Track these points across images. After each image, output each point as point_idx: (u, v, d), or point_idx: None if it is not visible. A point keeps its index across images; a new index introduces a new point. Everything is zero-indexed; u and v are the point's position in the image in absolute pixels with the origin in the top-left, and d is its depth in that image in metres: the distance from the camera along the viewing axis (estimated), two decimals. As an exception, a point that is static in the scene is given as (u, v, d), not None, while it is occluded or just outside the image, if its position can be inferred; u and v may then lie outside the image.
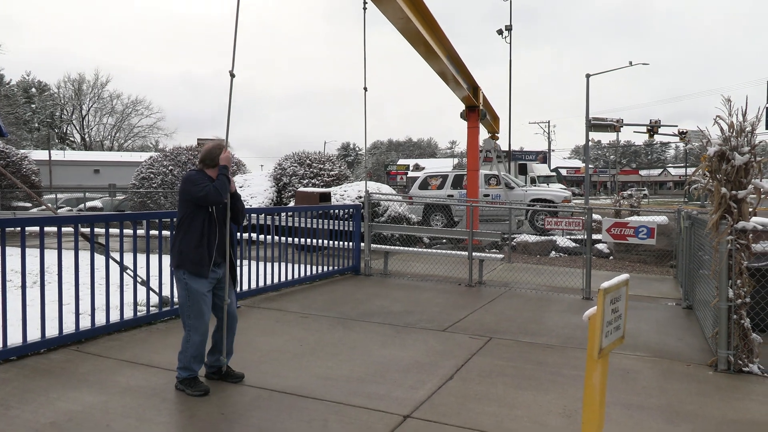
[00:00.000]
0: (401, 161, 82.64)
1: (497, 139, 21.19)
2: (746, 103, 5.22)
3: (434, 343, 5.89)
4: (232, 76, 4.63)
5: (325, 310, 7.27)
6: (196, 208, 4.40)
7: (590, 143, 33.75)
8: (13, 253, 5.19)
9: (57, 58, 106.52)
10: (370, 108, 8.64)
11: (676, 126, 35.69)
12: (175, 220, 7.01)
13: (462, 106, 16.33)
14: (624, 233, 8.57)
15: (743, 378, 4.98)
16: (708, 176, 5.39)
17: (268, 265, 8.32)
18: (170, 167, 19.63)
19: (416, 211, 18.35)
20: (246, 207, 4.87)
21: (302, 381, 4.67)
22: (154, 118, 79.08)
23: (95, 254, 5.78)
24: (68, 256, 5.56)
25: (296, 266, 8.88)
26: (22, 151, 29.40)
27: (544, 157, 55.37)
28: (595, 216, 12.80)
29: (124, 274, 6.14)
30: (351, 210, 10.58)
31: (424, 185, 21.30)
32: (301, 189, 15.16)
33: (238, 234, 7.01)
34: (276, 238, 9.13)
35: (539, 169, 40.68)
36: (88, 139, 76.88)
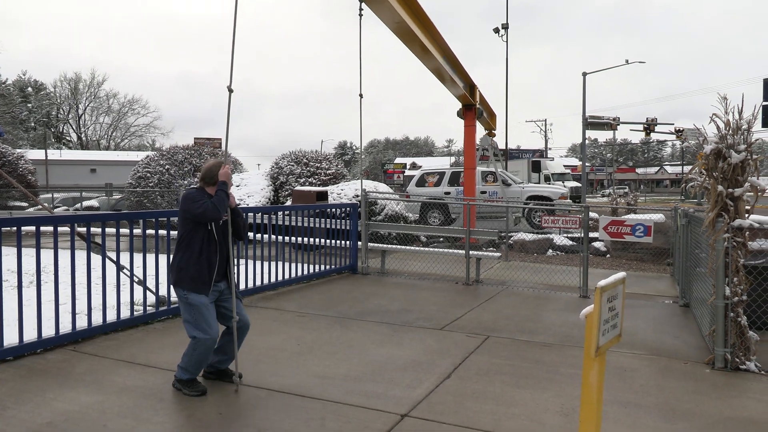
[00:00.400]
0: (398, 160, 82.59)
1: (494, 136, 21.20)
2: (742, 101, 5.24)
3: (432, 341, 5.89)
4: (230, 91, 4.60)
5: (322, 309, 7.27)
6: (195, 225, 4.38)
7: (587, 141, 33.78)
8: (9, 253, 5.17)
9: (53, 58, 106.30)
10: (366, 107, 8.66)
11: (673, 124, 35.75)
12: (171, 219, 7.04)
13: (459, 105, 16.33)
14: (621, 231, 8.58)
15: (740, 376, 4.99)
16: (704, 174, 5.40)
17: (265, 264, 8.31)
18: (167, 166, 19.58)
19: (413, 208, 18.35)
20: (243, 206, 4.86)
21: (300, 380, 4.67)
22: (151, 117, 79.30)
23: (92, 254, 5.77)
24: (65, 256, 5.54)
25: (293, 265, 8.87)
26: (19, 150, 29.36)
27: (541, 154, 55.42)
28: (592, 214, 12.82)
29: (121, 273, 6.14)
30: (348, 209, 10.58)
31: (421, 182, 21.31)
32: (298, 188, 15.14)
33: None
34: (273, 237, 9.12)
35: (553, 166, 39.99)
36: (84, 139, 76.70)
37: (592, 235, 10.62)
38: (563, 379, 4.80)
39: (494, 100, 19.25)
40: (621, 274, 2.80)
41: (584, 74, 27.84)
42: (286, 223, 9.40)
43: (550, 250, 14.12)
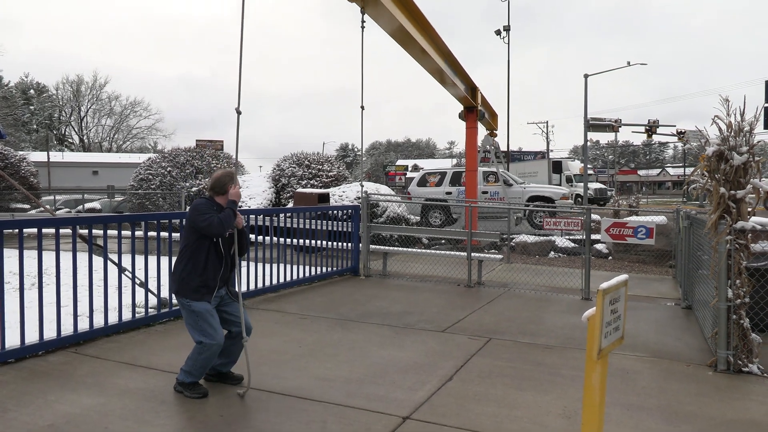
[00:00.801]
0: (400, 162, 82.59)
1: (496, 136, 21.20)
2: (744, 102, 5.23)
3: (433, 343, 5.88)
4: (239, 113, 4.61)
5: (324, 311, 7.26)
6: (200, 237, 4.38)
7: (589, 143, 33.65)
8: (11, 255, 5.17)
9: (55, 60, 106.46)
10: (367, 108, 8.62)
11: (675, 126, 35.59)
12: (173, 221, 7.05)
13: (460, 106, 16.33)
14: (623, 233, 8.57)
15: (743, 378, 4.97)
16: (707, 176, 5.39)
17: (267, 266, 8.31)
18: (168, 168, 19.61)
19: (415, 210, 18.35)
20: (244, 208, 4.87)
21: (301, 382, 4.67)
22: (153, 120, 79.36)
23: (93, 256, 5.77)
24: (66, 258, 5.54)
25: (295, 267, 8.87)
26: (21, 152, 29.40)
27: (543, 156, 55.33)
28: (594, 216, 12.81)
29: (123, 275, 6.13)
30: (350, 211, 10.58)
31: (423, 182, 21.31)
32: (300, 190, 15.16)
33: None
34: (275, 239, 9.12)
35: (575, 167, 38.49)
36: (86, 141, 76.81)
37: (594, 237, 10.61)
38: (565, 382, 4.79)
39: (495, 101, 19.23)
40: (623, 277, 2.80)
41: (586, 76, 27.81)
42: (288, 225, 9.40)
43: (552, 252, 14.10)
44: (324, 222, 10.02)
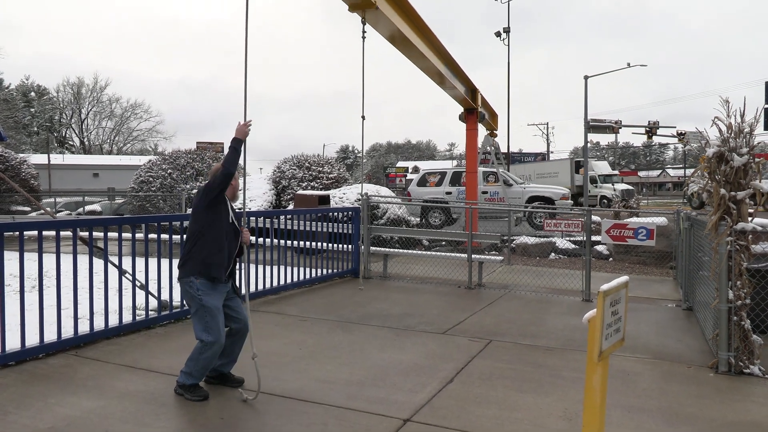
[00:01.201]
0: (400, 163, 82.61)
1: (496, 136, 21.22)
2: (744, 104, 5.23)
3: (434, 346, 5.88)
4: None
5: (324, 313, 7.26)
6: (212, 219, 4.39)
7: (589, 145, 33.50)
8: (11, 258, 5.17)
9: (56, 62, 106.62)
10: (367, 110, 8.59)
11: (675, 127, 35.51)
12: (173, 223, 7.05)
13: (460, 108, 16.34)
14: (623, 235, 8.57)
15: (744, 380, 4.97)
16: (707, 177, 5.39)
17: (267, 268, 8.31)
18: (169, 171, 19.62)
19: (415, 211, 18.35)
20: (245, 210, 4.88)
21: (302, 384, 4.66)
22: (153, 122, 79.15)
23: (94, 258, 5.77)
24: (67, 261, 5.55)
25: (295, 269, 8.86)
26: (21, 155, 29.43)
27: (543, 157, 55.31)
28: (595, 218, 12.80)
29: (123, 278, 6.13)
30: (350, 213, 10.57)
31: (423, 182, 21.33)
32: (300, 192, 15.17)
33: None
34: (275, 241, 9.12)
35: (600, 167, 36.39)
36: (87, 143, 76.90)
37: (594, 238, 10.61)
38: (566, 384, 4.78)
39: (495, 102, 19.21)
40: (624, 278, 2.80)
41: (586, 78, 27.81)
42: (288, 227, 9.40)
43: (553, 254, 14.09)
44: (324, 224, 10.02)
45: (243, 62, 4.61)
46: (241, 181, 4.86)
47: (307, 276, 9.10)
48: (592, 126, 29.99)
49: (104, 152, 74.01)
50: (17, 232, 5.12)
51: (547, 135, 61.67)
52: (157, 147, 74.68)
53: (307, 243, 9.52)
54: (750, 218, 5.19)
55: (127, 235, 6.52)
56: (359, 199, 13.09)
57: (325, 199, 14.19)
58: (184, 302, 5.46)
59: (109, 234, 6.57)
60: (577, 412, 4.15)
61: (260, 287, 8.08)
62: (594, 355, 2.59)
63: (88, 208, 24.85)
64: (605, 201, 31.66)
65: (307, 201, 13.75)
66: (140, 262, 6.32)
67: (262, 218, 9.17)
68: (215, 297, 4.37)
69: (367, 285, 8.94)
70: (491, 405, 4.31)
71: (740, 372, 5.06)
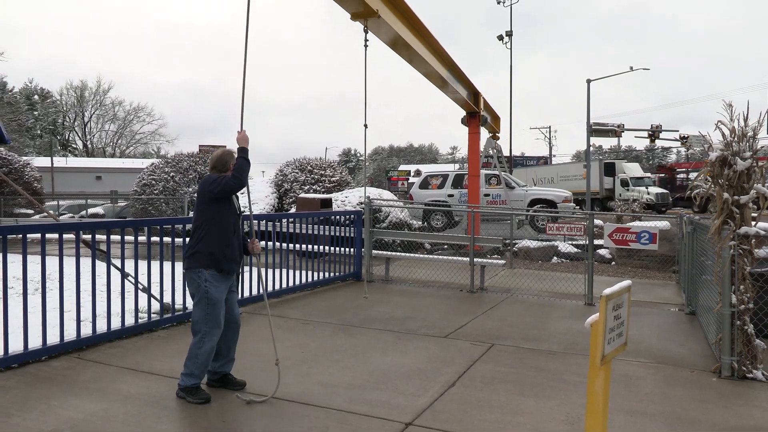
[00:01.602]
0: (402, 167, 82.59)
1: (498, 138, 21.23)
2: (747, 107, 5.23)
3: (436, 349, 5.87)
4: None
5: (326, 316, 7.26)
6: (218, 210, 4.42)
7: (591, 148, 33.31)
8: (14, 260, 5.19)
9: (59, 66, 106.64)
10: (369, 114, 8.58)
11: (677, 131, 35.44)
12: (176, 226, 7.06)
13: (463, 111, 16.34)
14: (626, 238, 8.57)
15: (747, 384, 4.95)
16: (710, 181, 5.38)
17: (270, 271, 8.31)
18: (172, 174, 19.65)
19: (418, 214, 18.36)
20: (246, 213, 4.91)
21: (304, 388, 4.66)
22: (156, 125, 79.33)
23: (96, 261, 5.78)
24: (70, 263, 5.56)
25: (297, 273, 8.87)
26: (25, 158, 29.50)
27: (545, 161, 55.28)
28: (597, 221, 12.79)
29: (126, 280, 6.14)
30: (352, 216, 10.58)
31: (425, 185, 21.35)
32: (303, 195, 15.17)
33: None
34: (277, 244, 9.12)
35: (631, 169, 34.29)
36: (90, 146, 77.08)
37: (597, 242, 10.60)
38: (568, 387, 4.77)
39: (497, 106, 19.20)
40: (626, 282, 2.80)
41: (588, 81, 27.83)
42: (291, 230, 9.41)
43: (555, 258, 14.07)
44: (326, 227, 10.03)
45: (244, 64, 4.64)
46: None
47: (309, 279, 9.10)
48: (595, 130, 29.98)
49: (107, 155, 74.17)
50: (20, 235, 5.14)
51: (549, 139, 61.68)
52: (159, 150, 74.91)
53: (310, 246, 9.52)
54: (753, 222, 5.18)
55: (129, 238, 6.53)
56: (361, 203, 13.11)
57: (328, 203, 14.20)
58: (187, 302, 5.47)
59: (112, 237, 6.58)
60: (580, 416, 4.14)
61: (262, 290, 8.06)
62: (596, 359, 2.59)
63: (90, 210, 24.88)
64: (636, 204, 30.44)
65: (309, 204, 13.76)
66: (143, 265, 6.33)
67: (264, 221, 9.17)
68: (221, 289, 4.43)
69: (369, 288, 8.94)
70: (493, 409, 4.30)
71: (743, 376, 5.05)
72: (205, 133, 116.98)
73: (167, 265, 6.45)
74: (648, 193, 29.85)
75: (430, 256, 11.02)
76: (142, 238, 9.87)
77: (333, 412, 4.20)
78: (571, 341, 6.23)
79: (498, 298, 8.62)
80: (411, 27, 10.58)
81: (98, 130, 77.84)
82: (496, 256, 13.54)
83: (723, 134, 5.26)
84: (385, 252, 10.59)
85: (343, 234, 10.14)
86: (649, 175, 36.87)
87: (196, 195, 4.65)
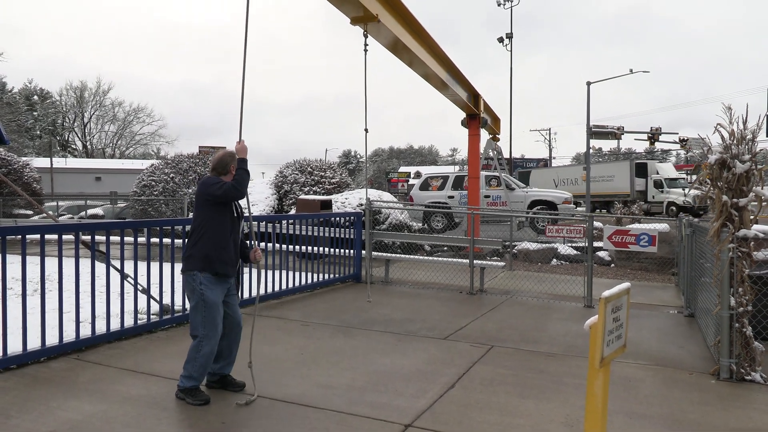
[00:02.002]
0: (402, 168, 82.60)
1: (498, 140, 21.27)
2: (747, 110, 5.24)
3: (436, 351, 5.88)
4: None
5: (326, 318, 7.26)
6: (216, 212, 4.42)
7: (591, 151, 33.21)
8: (13, 261, 5.19)
9: (59, 66, 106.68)
10: (369, 115, 8.60)
11: (677, 133, 35.39)
12: (176, 227, 7.06)
13: (463, 113, 16.36)
14: (625, 241, 8.57)
15: (745, 386, 4.96)
16: (709, 184, 5.39)
17: (269, 272, 8.31)
18: (171, 175, 19.65)
19: (418, 216, 18.38)
20: (246, 214, 4.92)
21: (303, 390, 4.66)
22: (156, 126, 79.31)
23: (96, 262, 5.78)
24: (69, 264, 5.56)
25: (297, 274, 8.87)
26: (24, 158, 29.48)
27: (545, 163, 55.28)
28: (597, 224, 12.79)
29: (125, 281, 6.15)
30: (352, 218, 10.59)
31: (425, 186, 21.37)
32: (303, 197, 15.17)
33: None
34: (277, 245, 9.12)
35: (665, 169, 32.08)
36: (89, 147, 77.08)
37: (596, 244, 10.60)
38: (568, 390, 4.78)
39: (497, 107, 19.27)
40: (625, 285, 2.80)
41: (588, 84, 27.86)
42: (290, 231, 9.41)
43: (555, 260, 14.08)
44: (326, 229, 10.03)
45: (244, 65, 4.67)
46: None
47: (309, 281, 9.10)
48: (595, 132, 29.96)
49: (107, 156, 74.17)
50: (19, 236, 5.14)
51: (550, 141, 61.67)
52: (159, 151, 74.93)
53: (309, 248, 9.53)
54: (752, 225, 5.19)
55: (129, 239, 6.53)
56: (361, 204, 13.11)
57: (328, 204, 14.21)
58: (186, 303, 5.47)
59: (111, 238, 6.58)
60: (579, 418, 4.14)
61: (262, 292, 8.07)
62: (596, 362, 2.59)
63: (90, 211, 24.87)
64: (673, 209, 27.20)
65: (309, 206, 13.77)
66: (142, 266, 6.33)
67: (264, 223, 9.17)
68: (217, 292, 4.40)
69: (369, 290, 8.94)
70: (493, 411, 4.31)
71: (742, 379, 5.05)
72: (205, 134, 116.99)
73: (167, 266, 6.46)
74: (685, 195, 27.25)
75: (430, 258, 11.02)
76: (141, 239, 9.88)
77: (333, 413, 4.20)
78: (570, 343, 6.23)
79: (497, 300, 8.63)
80: (411, 30, 10.59)
81: (98, 130, 77.91)
82: (495, 258, 13.54)
83: (722, 137, 5.27)
84: (384, 254, 10.59)
85: (342, 235, 10.14)
86: (683, 175, 34.25)
87: (194, 196, 4.65)
